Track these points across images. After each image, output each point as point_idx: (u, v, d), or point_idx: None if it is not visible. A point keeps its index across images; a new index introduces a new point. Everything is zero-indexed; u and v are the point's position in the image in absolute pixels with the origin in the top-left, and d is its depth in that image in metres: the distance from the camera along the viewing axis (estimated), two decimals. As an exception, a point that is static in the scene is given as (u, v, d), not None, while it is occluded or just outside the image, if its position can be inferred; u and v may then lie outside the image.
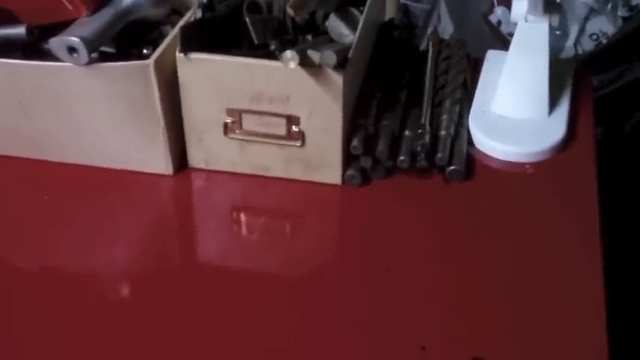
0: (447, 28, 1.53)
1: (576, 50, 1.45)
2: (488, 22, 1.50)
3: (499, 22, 1.49)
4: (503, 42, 1.47)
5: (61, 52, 0.83)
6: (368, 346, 0.72)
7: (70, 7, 0.88)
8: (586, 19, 1.44)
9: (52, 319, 0.75)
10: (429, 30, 1.55)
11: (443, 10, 1.54)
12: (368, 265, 0.81)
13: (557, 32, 1.42)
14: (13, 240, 0.85)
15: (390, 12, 1.15)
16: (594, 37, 1.46)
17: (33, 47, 0.90)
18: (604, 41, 1.45)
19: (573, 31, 1.45)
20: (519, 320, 0.74)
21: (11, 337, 0.73)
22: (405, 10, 1.54)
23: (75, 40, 0.82)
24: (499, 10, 1.48)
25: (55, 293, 0.78)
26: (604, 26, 1.44)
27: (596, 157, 0.93)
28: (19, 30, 0.89)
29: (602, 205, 0.86)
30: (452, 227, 0.85)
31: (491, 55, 1.07)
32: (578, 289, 0.77)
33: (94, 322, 0.75)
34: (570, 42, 1.45)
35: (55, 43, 0.83)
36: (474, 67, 1.04)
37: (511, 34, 0.95)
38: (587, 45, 1.46)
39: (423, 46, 1.08)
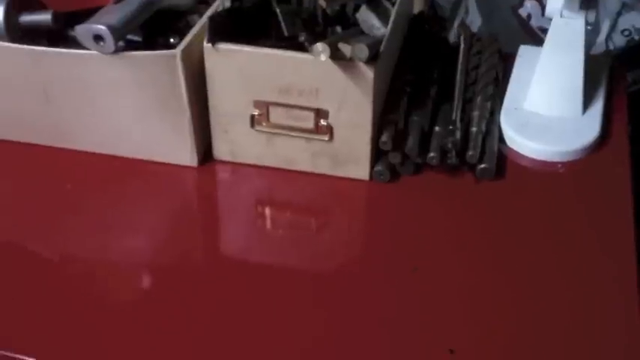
0: (474, 20, 1.51)
1: (607, 46, 1.43)
2: (518, 16, 1.48)
3: (529, 16, 1.47)
4: (532, 36, 1.44)
5: (87, 39, 0.82)
6: (393, 348, 0.71)
7: (97, -6, 0.87)
8: (618, 14, 1.41)
9: (74, 309, 0.74)
10: (456, 22, 1.52)
11: (471, 1, 1.51)
12: (395, 263, 0.79)
13: (589, 27, 1.40)
14: (35, 228, 0.84)
15: (418, 4, 1.13)
16: (626, 32, 1.43)
17: (59, 34, 0.89)
18: (636, 37, 1.43)
19: (605, 26, 1.42)
20: (551, 325, 0.72)
21: (31, 325, 0.73)
22: (431, 1, 1.52)
23: (101, 28, 0.81)
24: (529, 4, 1.46)
25: (76, 283, 0.77)
26: (637, 22, 1.42)
27: (630, 157, 0.91)
28: (45, 16, 0.89)
29: (636, 205, 0.84)
30: (481, 227, 0.83)
31: (524, 51, 1.05)
32: (611, 292, 0.75)
33: (115, 311, 0.74)
34: (602, 37, 1.42)
35: (82, 31, 0.82)
36: (505, 62, 1.02)
37: (540, 28, 0.93)
38: (619, 41, 1.43)
39: (450, 39, 1.06)
